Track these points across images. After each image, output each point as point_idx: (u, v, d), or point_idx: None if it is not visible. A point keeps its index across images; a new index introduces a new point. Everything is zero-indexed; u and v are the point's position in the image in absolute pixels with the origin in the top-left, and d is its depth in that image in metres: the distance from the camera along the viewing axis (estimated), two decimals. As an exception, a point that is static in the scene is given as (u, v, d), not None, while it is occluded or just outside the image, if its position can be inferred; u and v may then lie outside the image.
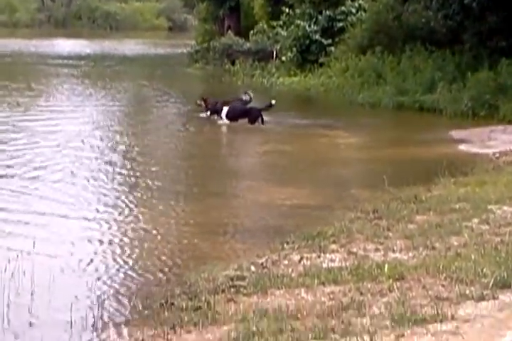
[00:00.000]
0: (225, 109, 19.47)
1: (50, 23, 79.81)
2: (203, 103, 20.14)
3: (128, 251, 8.95)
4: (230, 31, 38.67)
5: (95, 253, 8.86)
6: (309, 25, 29.65)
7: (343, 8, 29.65)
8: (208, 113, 19.83)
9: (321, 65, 28.88)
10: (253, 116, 19.22)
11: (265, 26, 35.50)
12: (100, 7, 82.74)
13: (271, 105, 19.40)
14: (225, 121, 19.35)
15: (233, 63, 34.58)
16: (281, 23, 32.76)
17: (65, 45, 53.49)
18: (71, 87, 28.23)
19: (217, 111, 19.62)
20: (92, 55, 45.21)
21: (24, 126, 18.01)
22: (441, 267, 7.08)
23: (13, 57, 41.85)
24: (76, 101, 24.12)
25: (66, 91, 26.88)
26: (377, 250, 8.34)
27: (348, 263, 7.81)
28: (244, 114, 19.41)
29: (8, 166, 13.45)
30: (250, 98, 20.35)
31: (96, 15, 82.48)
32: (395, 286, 6.76)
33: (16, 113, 20.26)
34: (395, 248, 8.31)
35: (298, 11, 31.30)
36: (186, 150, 17.07)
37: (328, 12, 29.62)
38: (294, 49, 30.04)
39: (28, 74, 32.91)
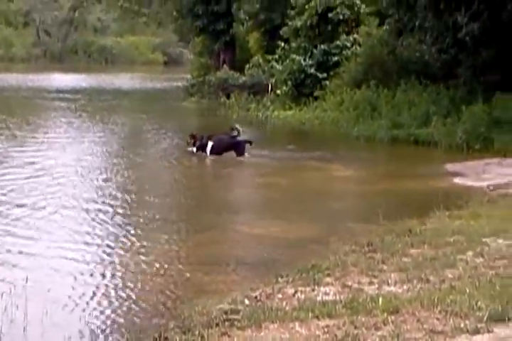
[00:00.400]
0: (210, 144, 19.53)
1: (46, 58, 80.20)
2: (192, 140, 20.03)
3: (122, 285, 8.92)
4: (225, 65, 38.86)
5: (89, 286, 8.82)
6: (304, 59, 29.81)
7: (338, 42, 29.82)
8: (195, 149, 19.76)
9: (316, 98, 28.99)
10: (241, 148, 19.35)
11: (260, 60, 35.69)
12: (96, 41, 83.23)
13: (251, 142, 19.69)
14: (209, 156, 19.39)
15: (228, 97, 34.69)
16: (276, 57, 32.91)
17: (62, 80, 53.73)
18: (68, 121, 28.28)
19: (203, 147, 19.64)
20: (88, 89, 45.40)
21: (18, 158, 18.04)
22: (435, 300, 7.05)
23: (10, 92, 41.98)
24: (73, 134, 24.19)
25: (64, 125, 26.95)
26: (371, 283, 8.31)
27: (342, 297, 7.77)
28: (231, 147, 19.51)
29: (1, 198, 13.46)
30: (238, 132, 20.34)
31: (92, 50, 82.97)
32: (389, 320, 6.73)
33: (12, 145, 20.30)
34: (390, 281, 8.29)
35: (293, 45, 31.49)
36: (181, 184, 17.06)
37: (323, 46, 29.80)
38: (289, 83, 30.16)
39: (25, 109, 33.07)
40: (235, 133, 20.31)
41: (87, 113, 31.39)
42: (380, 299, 7.38)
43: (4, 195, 13.80)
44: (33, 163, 17.57)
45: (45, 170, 16.59)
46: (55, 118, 29.61)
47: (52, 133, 24.39)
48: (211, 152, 19.51)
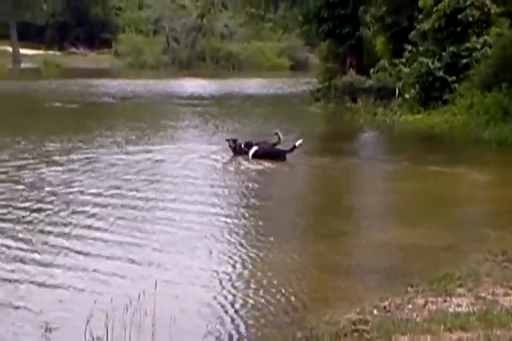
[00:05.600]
0: (254, 148, 19.60)
1: (174, 64, 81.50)
2: (233, 144, 20.21)
3: (248, 293, 8.85)
4: (351, 69, 38.58)
5: (216, 295, 8.80)
6: (433, 62, 29.22)
7: (467, 44, 29.12)
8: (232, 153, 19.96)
9: (445, 102, 28.37)
10: (281, 157, 19.24)
11: (387, 64, 35.23)
12: (223, 47, 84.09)
13: (295, 147, 19.40)
14: (251, 159, 19.36)
15: (355, 101, 34.41)
16: (403, 60, 32.40)
17: (190, 86, 54.47)
18: (197, 126, 28.58)
19: (243, 150, 19.71)
20: (216, 95, 45.89)
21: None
22: None
23: (142, 98, 42.75)
24: (200, 140, 24.40)
25: (193, 130, 27.29)
26: (506, 295, 8.00)
27: (476, 309, 7.50)
28: (272, 155, 19.41)
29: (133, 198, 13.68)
30: (279, 138, 20.14)
31: (219, 56, 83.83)
32: (526, 334, 6.44)
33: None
34: (526, 293, 7.96)
35: (421, 48, 30.95)
36: (305, 189, 16.94)
37: (452, 48, 29.16)
38: (417, 86, 29.63)
39: (156, 114, 33.63)
40: (276, 139, 20.10)
41: (216, 117, 31.62)
42: (516, 312, 7.08)
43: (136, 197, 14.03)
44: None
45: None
46: (186, 123, 30.01)
47: (181, 138, 24.67)
48: (253, 156, 19.48)
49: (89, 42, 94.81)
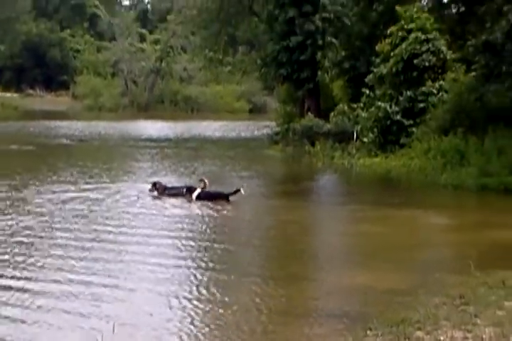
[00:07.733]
0: (197, 191, 19.96)
1: (133, 107, 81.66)
2: (153, 187, 20.56)
3: (204, 336, 8.73)
4: (309, 113, 38.83)
5: (173, 336, 8.67)
6: (390, 106, 29.55)
7: (423, 88, 29.51)
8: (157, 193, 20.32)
9: (403, 145, 28.65)
10: (225, 198, 19.61)
11: (345, 108, 35.53)
12: (182, 91, 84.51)
13: (238, 190, 19.73)
14: (195, 200, 19.76)
15: (313, 144, 34.57)
16: (361, 104, 32.72)
17: (148, 128, 54.52)
18: (153, 168, 28.51)
19: (188, 192, 20.11)
20: (174, 137, 45.88)
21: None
22: (534, 358, 6.70)
23: (100, 141, 42.64)
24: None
25: (147, 172, 27.19)
26: (465, 338, 7.99)
27: (435, 352, 7.46)
28: (215, 197, 19.83)
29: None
30: (205, 185, 20.38)
31: (178, 99, 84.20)
32: (485, 378, 6.40)
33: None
34: (484, 336, 7.94)
35: (378, 92, 31.29)
36: (258, 232, 16.89)
37: (408, 93, 29.53)
38: (375, 130, 29.91)
39: (113, 156, 33.53)
40: (202, 185, 20.36)
41: (172, 160, 31.61)
42: (476, 356, 7.05)
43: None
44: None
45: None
46: (140, 165, 29.94)
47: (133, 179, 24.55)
48: (197, 198, 19.85)
49: (46, 85, 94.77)
